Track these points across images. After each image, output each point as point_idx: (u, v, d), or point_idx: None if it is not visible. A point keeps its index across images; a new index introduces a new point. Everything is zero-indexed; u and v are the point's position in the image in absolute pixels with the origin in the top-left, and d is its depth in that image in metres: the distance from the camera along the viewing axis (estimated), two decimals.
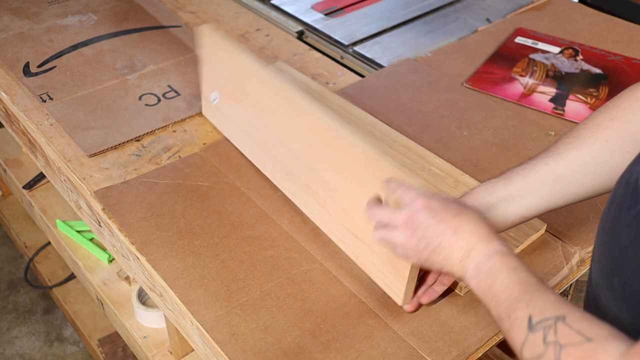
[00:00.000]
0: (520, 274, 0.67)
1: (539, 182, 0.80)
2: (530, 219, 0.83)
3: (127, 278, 1.41)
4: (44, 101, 1.25)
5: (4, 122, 1.38)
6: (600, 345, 0.55)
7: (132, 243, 0.97)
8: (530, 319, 0.61)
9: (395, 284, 0.85)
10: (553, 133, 1.18)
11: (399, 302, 0.85)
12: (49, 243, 1.86)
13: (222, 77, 1.14)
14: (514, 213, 0.81)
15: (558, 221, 1.01)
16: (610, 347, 0.54)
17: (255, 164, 1.09)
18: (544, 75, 1.33)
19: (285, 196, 1.04)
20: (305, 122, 0.97)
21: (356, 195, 0.88)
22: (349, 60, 1.44)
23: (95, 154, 1.13)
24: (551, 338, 0.58)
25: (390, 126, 1.19)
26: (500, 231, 0.82)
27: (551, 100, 1.26)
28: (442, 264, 0.75)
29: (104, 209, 1.03)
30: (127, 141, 1.16)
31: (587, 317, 0.58)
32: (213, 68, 1.16)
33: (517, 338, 0.62)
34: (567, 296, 1.40)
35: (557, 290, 0.92)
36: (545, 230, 0.99)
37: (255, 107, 1.06)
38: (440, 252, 0.74)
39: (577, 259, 0.96)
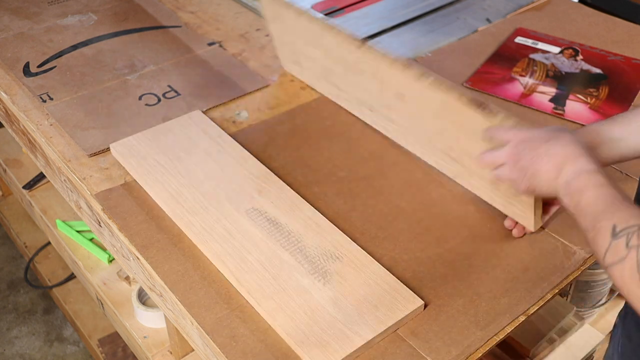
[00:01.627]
0: (607, 189, 0.71)
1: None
2: (631, 159, 0.89)
3: (127, 278, 1.41)
4: (44, 101, 1.25)
5: (4, 122, 1.38)
6: None
7: (134, 246, 0.97)
8: (614, 227, 0.66)
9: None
10: None
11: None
12: (49, 243, 1.86)
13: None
14: (615, 153, 0.88)
15: (558, 221, 1.01)
16: None
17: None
18: (544, 75, 1.33)
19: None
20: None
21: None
22: None
23: (95, 154, 1.13)
24: (634, 242, 0.63)
25: None
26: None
27: (551, 100, 1.26)
28: (543, 188, 0.81)
29: (103, 210, 1.03)
30: None
31: None
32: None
33: (602, 245, 0.66)
34: (568, 296, 1.40)
35: (557, 290, 0.92)
36: (546, 230, 0.99)
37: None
38: (538, 177, 0.80)
39: (578, 259, 0.96)
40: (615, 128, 0.88)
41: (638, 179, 0.91)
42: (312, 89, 1.29)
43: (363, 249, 0.94)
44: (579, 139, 0.80)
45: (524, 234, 0.98)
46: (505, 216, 0.99)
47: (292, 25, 1.21)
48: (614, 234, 0.65)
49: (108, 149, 1.14)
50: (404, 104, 1.06)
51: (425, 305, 0.88)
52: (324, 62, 1.19)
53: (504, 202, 0.97)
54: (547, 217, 0.97)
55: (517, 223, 0.98)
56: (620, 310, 0.93)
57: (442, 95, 0.96)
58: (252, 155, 1.10)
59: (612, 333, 0.94)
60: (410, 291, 0.88)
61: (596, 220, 0.68)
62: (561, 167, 0.77)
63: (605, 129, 0.88)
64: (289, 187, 1.04)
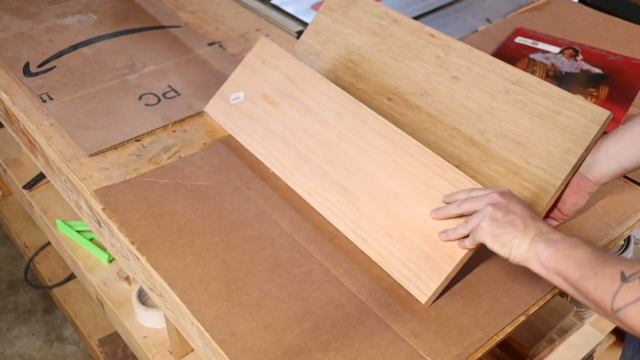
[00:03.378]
0: (593, 246, 0.75)
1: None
2: (632, 170, 0.94)
3: (127, 278, 1.41)
4: (44, 101, 1.25)
5: (4, 122, 1.38)
6: None
7: (132, 242, 0.97)
8: (622, 273, 0.69)
9: (427, 282, 0.88)
10: None
11: (423, 300, 0.88)
12: (49, 243, 1.86)
13: (265, 81, 1.17)
14: (616, 167, 0.93)
15: (558, 225, 1.01)
16: None
17: (266, 160, 1.10)
18: (544, 75, 1.33)
19: (285, 196, 1.04)
20: (362, 128, 1.02)
21: (413, 198, 0.93)
22: None
23: (95, 154, 1.14)
24: None
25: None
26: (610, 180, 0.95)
27: None
28: (505, 246, 0.81)
29: (104, 209, 1.03)
30: (127, 141, 1.16)
31: None
32: (254, 72, 1.20)
33: (608, 292, 0.69)
34: (567, 296, 1.40)
35: (557, 291, 0.92)
36: None
37: (298, 110, 1.10)
38: (511, 235, 0.80)
39: None
40: (610, 145, 0.93)
41: None
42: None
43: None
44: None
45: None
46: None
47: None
48: (624, 278, 0.68)
49: (108, 149, 1.14)
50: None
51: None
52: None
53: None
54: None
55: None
56: None
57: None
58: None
59: (627, 335, 0.95)
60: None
61: (598, 267, 0.71)
62: (534, 233, 0.79)
63: (602, 146, 0.94)
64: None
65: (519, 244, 0.79)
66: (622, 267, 0.69)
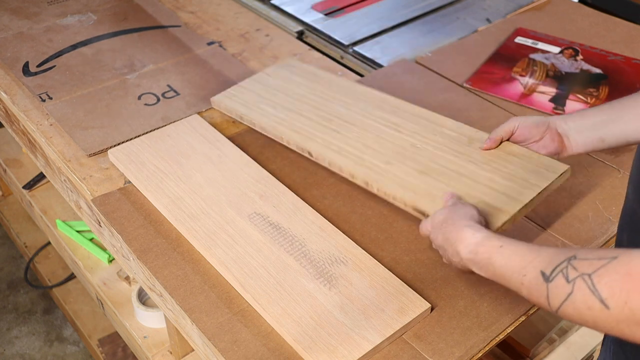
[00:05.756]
0: (508, 247, 0.71)
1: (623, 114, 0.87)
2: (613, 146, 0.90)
3: (127, 278, 1.41)
4: (43, 100, 1.25)
5: (4, 122, 1.38)
6: (630, 255, 0.56)
7: (132, 251, 0.96)
8: (543, 273, 0.63)
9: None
10: None
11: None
12: (49, 243, 1.86)
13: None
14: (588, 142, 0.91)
15: (558, 220, 1.01)
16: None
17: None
18: (544, 75, 1.33)
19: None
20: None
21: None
22: (349, 60, 1.44)
23: (94, 154, 1.13)
24: (573, 275, 0.60)
25: None
26: (584, 152, 0.92)
27: (551, 100, 1.26)
28: (459, 268, 0.80)
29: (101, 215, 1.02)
30: (126, 140, 1.16)
31: (595, 249, 0.62)
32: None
33: (540, 295, 0.64)
34: None
35: None
36: (546, 230, 0.99)
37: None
38: (450, 261, 0.81)
39: None
40: (594, 115, 0.90)
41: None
42: None
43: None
44: (465, 212, 0.81)
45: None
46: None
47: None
48: (546, 278, 0.63)
49: (107, 149, 1.14)
50: None
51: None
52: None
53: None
54: None
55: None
56: None
57: None
58: (251, 159, 1.09)
59: (604, 340, 0.93)
60: (417, 294, 0.88)
61: (520, 276, 0.67)
62: (457, 249, 0.77)
63: (586, 114, 0.91)
64: (290, 191, 1.03)
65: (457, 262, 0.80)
66: (540, 264, 0.64)
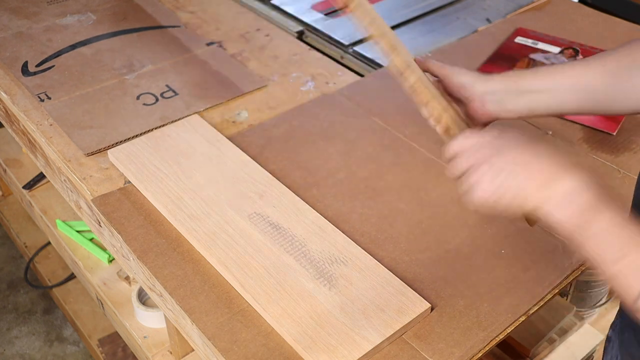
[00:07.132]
0: (618, 217, 0.62)
1: (561, 84, 0.80)
2: (541, 116, 0.84)
3: (127, 278, 1.41)
4: (42, 100, 1.25)
5: (4, 122, 1.38)
6: None
7: (132, 251, 0.96)
8: None
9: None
10: (551, 132, 1.18)
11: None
12: (49, 243, 1.86)
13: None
14: (531, 106, 0.82)
15: None
16: None
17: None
18: None
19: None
20: None
21: None
22: (349, 60, 1.44)
23: (92, 153, 1.13)
24: None
25: (387, 127, 1.19)
26: (510, 119, 0.84)
27: None
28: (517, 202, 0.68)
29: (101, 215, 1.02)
30: (125, 140, 1.16)
31: None
32: None
33: (633, 286, 0.58)
34: (567, 296, 1.40)
35: (557, 290, 0.92)
36: (546, 230, 0.99)
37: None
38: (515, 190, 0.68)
39: (578, 259, 0.95)
40: (537, 80, 0.82)
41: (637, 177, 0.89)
42: (311, 90, 1.29)
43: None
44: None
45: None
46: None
47: None
48: None
49: (108, 149, 1.14)
50: None
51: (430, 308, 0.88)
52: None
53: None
54: None
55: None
56: (613, 323, 0.90)
57: None
58: (251, 159, 1.09)
59: (606, 347, 0.92)
60: (417, 294, 0.88)
61: (620, 253, 0.59)
62: (555, 177, 0.65)
63: (527, 78, 0.82)
64: (290, 191, 1.03)
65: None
66: None
